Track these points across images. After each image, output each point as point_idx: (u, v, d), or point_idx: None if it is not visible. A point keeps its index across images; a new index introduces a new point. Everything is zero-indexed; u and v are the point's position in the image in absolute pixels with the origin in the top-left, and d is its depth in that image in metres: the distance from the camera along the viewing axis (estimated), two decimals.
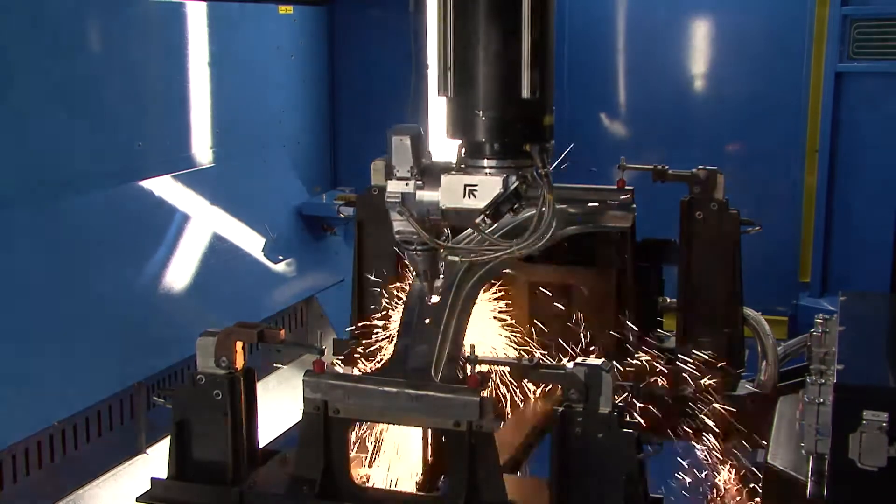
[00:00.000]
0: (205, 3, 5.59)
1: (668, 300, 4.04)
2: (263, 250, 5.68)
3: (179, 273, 4.99)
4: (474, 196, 2.93)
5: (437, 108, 6.97)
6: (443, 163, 3.07)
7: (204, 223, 5.32)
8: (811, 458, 2.93)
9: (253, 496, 2.96)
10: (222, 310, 5.00)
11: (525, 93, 2.90)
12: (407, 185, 3.00)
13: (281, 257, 5.78)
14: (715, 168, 3.83)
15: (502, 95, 2.94)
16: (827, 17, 6.89)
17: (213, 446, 2.99)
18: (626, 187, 3.87)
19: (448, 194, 2.96)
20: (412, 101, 6.71)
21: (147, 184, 5.10)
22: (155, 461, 4.34)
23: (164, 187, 5.19)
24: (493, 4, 2.92)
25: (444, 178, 2.97)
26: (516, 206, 2.96)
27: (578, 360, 2.80)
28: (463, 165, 3.04)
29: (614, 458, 2.75)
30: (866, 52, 6.83)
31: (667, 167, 3.91)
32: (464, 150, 3.03)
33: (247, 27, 6.05)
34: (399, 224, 3.06)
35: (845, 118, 6.95)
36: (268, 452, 3.16)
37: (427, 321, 3.01)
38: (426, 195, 3.00)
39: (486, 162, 2.99)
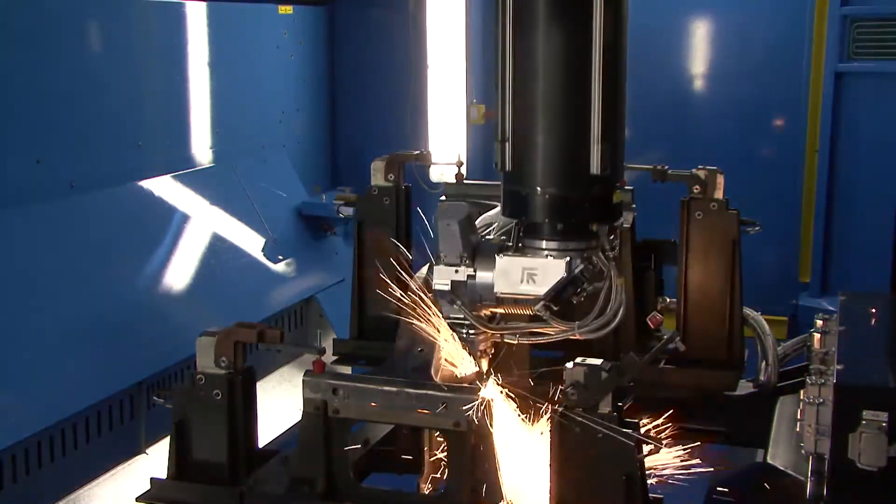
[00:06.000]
0: (205, 3, 5.59)
1: (668, 300, 4.04)
2: (263, 250, 5.67)
3: (179, 273, 4.98)
4: (533, 281, 2.62)
5: (437, 109, 7.02)
6: (496, 240, 2.74)
7: (204, 223, 5.32)
8: (811, 458, 2.92)
9: (253, 496, 2.97)
10: (222, 310, 5.00)
11: (595, 169, 2.57)
12: (457, 271, 2.71)
13: (281, 257, 5.77)
14: (715, 168, 3.82)
15: (567, 171, 2.59)
16: (827, 17, 6.89)
17: (212, 446, 2.99)
18: (626, 187, 3.88)
19: (504, 279, 2.65)
20: (412, 101, 6.72)
21: (147, 184, 5.10)
22: (155, 461, 4.34)
23: (164, 187, 5.19)
24: (560, 67, 2.54)
25: (500, 261, 2.66)
26: (580, 290, 2.66)
27: (578, 359, 2.79)
28: (521, 245, 2.70)
29: (614, 458, 2.74)
30: (866, 52, 6.84)
31: (667, 167, 3.90)
32: (521, 229, 2.69)
33: (247, 27, 6.05)
34: (447, 309, 2.82)
35: (845, 118, 6.96)
36: (268, 452, 3.16)
37: None
38: (478, 277, 2.69)
39: (545, 244, 2.66)
